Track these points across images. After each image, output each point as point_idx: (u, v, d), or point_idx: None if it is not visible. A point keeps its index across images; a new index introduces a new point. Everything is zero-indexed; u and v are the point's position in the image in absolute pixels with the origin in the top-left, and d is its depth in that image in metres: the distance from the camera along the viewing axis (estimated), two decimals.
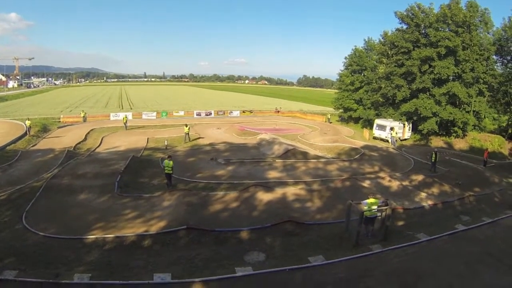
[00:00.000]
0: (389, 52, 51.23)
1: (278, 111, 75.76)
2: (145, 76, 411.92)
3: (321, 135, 48.39)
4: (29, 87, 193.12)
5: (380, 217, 15.43)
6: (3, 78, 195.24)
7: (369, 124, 53.72)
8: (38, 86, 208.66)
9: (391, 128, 45.24)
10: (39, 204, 19.81)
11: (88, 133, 45.52)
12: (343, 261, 13.26)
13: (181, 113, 69.66)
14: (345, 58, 62.81)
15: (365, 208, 14.90)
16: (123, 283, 11.35)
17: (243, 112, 73.96)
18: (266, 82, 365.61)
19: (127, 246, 15.06)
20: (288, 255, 13.97)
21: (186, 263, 13.35)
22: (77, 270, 12.41)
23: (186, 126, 42.26)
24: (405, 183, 25.12)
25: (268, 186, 22.20)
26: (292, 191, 21.63)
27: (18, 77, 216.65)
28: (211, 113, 70.16)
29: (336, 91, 67.78)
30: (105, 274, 12.16)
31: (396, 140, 44.64)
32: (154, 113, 67.00)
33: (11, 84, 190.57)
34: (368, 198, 15.41)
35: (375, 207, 15.12)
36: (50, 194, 21.28)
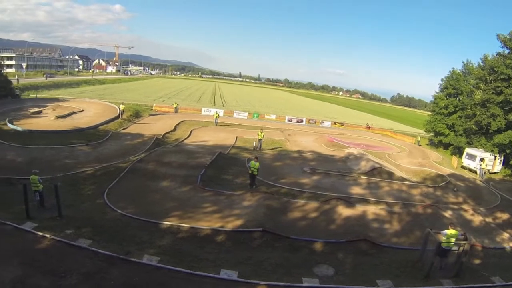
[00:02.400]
0: (488, 77, 48.68)
1: (369, 127, 75.01)
2: (240, 76, 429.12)
3: (408, 157, 47.26)
4: (126, 74, 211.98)
5: (456, 252, 14.72)
6: (103, 63, 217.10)
7: (458, 151, 52.06)
8: (135, 74, 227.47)
9: (481, 159, 43.02)
10: (122, 184, 22.04)
11: (178, 124, 48.37)
12: None
13: (273, 116, 71.21)
14: (442, 80, 61.44)
15: (444, 239, 14.50)
16: (189, 272, 12.09)
17: (334, 123, 73.90)
18: (360, 96, 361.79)
19: (200, 238, 16.04)
20: (357, 274, 13.95)
21: (255, 264, 13.85)
22: (147, 251, 13.47)
23: (261, 132, 40.99)
24: (488, 219, 23.57)
25: (350, 202, 22.31)
26: (372, 210, 21.58)
27: (117, 64, 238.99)
28: (302, 121, 70.80)
29: (429, 113, 66.83)
30: (174, 260, 12.98)
31: (484, 173, 42.29)
32: (246, 113, 69.34)
33: (109, 69, 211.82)
34: (448, 229, 14.85)
35: (453, 239, 14.58)
36: (133, 176, 23.52)
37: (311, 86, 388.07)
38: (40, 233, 13.42)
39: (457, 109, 56.69)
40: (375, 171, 32.52)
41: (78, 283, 10.79)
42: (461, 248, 14.48)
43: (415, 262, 15.26)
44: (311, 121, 71.59)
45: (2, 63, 65.22)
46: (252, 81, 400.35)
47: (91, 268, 11.68)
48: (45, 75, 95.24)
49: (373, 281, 13.11)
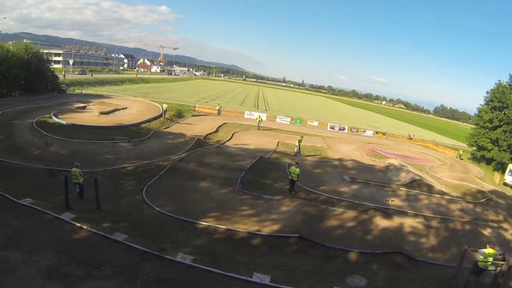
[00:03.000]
0: None
1: (411, 138, 73.73)
2: (284, 81, 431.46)
3: (449, 170, 46.04)
4: (170, 74, 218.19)
5: (493, 272, 14.20)
6: (148, 63, 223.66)
7: (501, 167, 51.07)
8: (179, 74, 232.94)
9: None
10: (161, 182, 22.68)
11: (220, 126, 49.06)
12: None
13: (315, 123, 71.11)
14: (487, 92, 60.45)
15: (481, 257, 13.97)
16: (222, 274, 12.17)
17: (376, 133, 73.08)
18: (403, 106, 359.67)
19: (236, 240, 16.23)
20: (389, 287, 13.73)
21: (288, 270, 13.87)
22: (182, 250, 13.66)
23: (301, 138, 41.49)
24: None
25: (387, 213, 22.00)
26: (409, 222, 21.22)
27: (161, 64, 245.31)
28: (344, 129, 70.53)
29: (473, 126, 66.65)
30: (208, 260, 13.09)
31: None
32: (289, 119, 69.48)
33: (154, 68, 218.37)
34: (486, 247, 14.29)
35: (491, 259, 14.03)
36: (173, 175, 24.12)
37: (354, 94, 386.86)
38: (78, 224, 13.92)
39: (502, 123, 55.63)
40: (415, 183, 32.05)
41: (111, 275, 11.10)
42: (499, 269, 14.02)
43: (449, 279, 14.88)
44: (353, 130, 71.13)
45: (50, 59, 68.48)
46: (296, 86, 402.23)
47: (125, 262, 11.99)
48: (77, 72, 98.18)
49: None
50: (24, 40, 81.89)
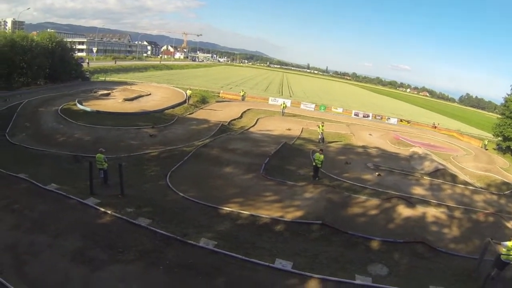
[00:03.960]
0: None
1: (435, 127, 72.25)
2: (308, 68, 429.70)
3: (474, 160, 44.92)
4: (194, 60, 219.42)
5: None
6: (171, 49, 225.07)
7: None
8: (203, 60, 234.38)
9: None
10: (185, 168, 22.93)
11: (245, 112, 48.99)
12: None
13: (340, 110, 70.37)
14: None
15: (504, 250, 13.64)
16: (244, 259, 12.34)
17: (401, 121, 71.94)
18: (428, 94, 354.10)
19: (259, 226, 16.25)
20: (410, 277, 13.60)
21: (310, 256, 13.85)
22: (205, 235, 13.87)
23: (322, 125, 40.08)
24: None
25: (411, 202, 21.69)
26: (432, 212, 20.93)
27: (185, 50, 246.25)
28: (369, 116, 69.73)
29: (499, 116, 64.68)
30: (230, 246, 13.29)
31: None
32: (313, 105, 68.81)
33: (177, 55, 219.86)
34: (510, 240, 13.88)
35: None
36: (197, 160, 24.36)
37: (379, 81, 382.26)
38: (102, 209, 14.29)
39: None
40: (439, 172, 31.42)
41: (134, 259, 11.36)
42: None
43: (471, 272, 14.66)
44: (377, 117, 70.26)
45: (74, 47, 69.51)
46: (320, 73, 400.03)
47: (148, 247, 12.26)
48: (80, 59, 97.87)
49: (426, 286, 12.76)
50: (48, 30, 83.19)
